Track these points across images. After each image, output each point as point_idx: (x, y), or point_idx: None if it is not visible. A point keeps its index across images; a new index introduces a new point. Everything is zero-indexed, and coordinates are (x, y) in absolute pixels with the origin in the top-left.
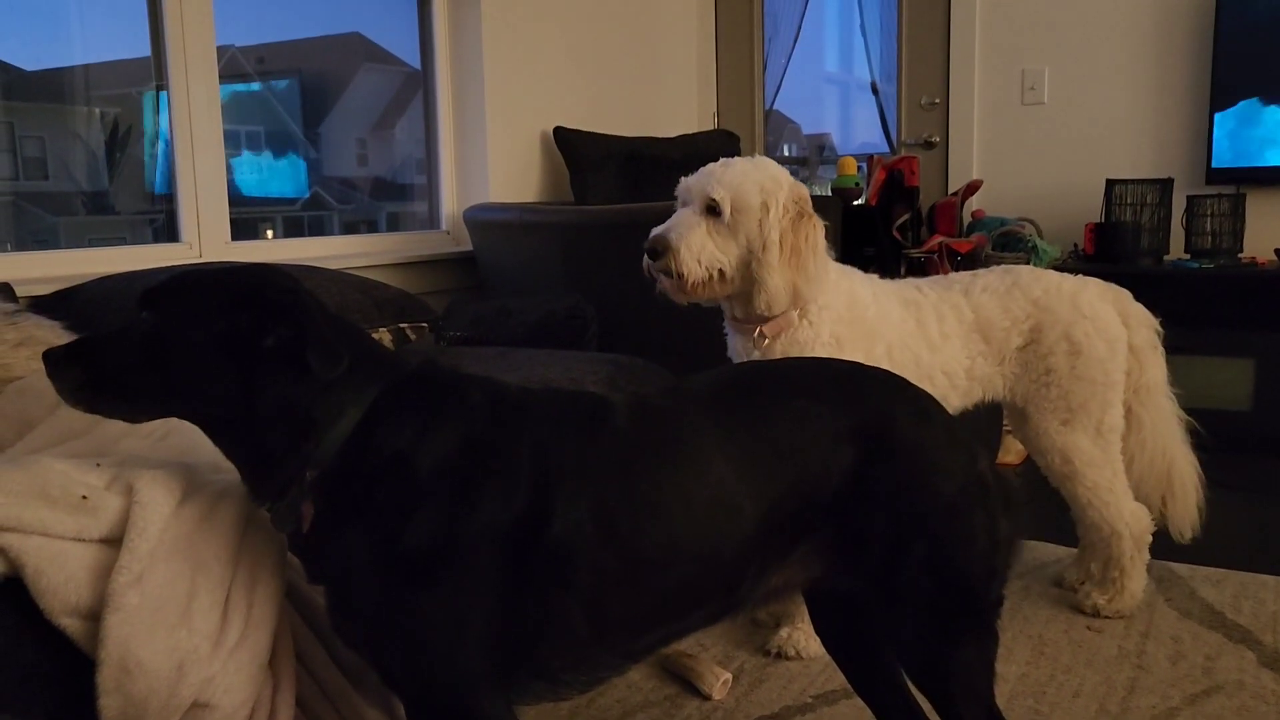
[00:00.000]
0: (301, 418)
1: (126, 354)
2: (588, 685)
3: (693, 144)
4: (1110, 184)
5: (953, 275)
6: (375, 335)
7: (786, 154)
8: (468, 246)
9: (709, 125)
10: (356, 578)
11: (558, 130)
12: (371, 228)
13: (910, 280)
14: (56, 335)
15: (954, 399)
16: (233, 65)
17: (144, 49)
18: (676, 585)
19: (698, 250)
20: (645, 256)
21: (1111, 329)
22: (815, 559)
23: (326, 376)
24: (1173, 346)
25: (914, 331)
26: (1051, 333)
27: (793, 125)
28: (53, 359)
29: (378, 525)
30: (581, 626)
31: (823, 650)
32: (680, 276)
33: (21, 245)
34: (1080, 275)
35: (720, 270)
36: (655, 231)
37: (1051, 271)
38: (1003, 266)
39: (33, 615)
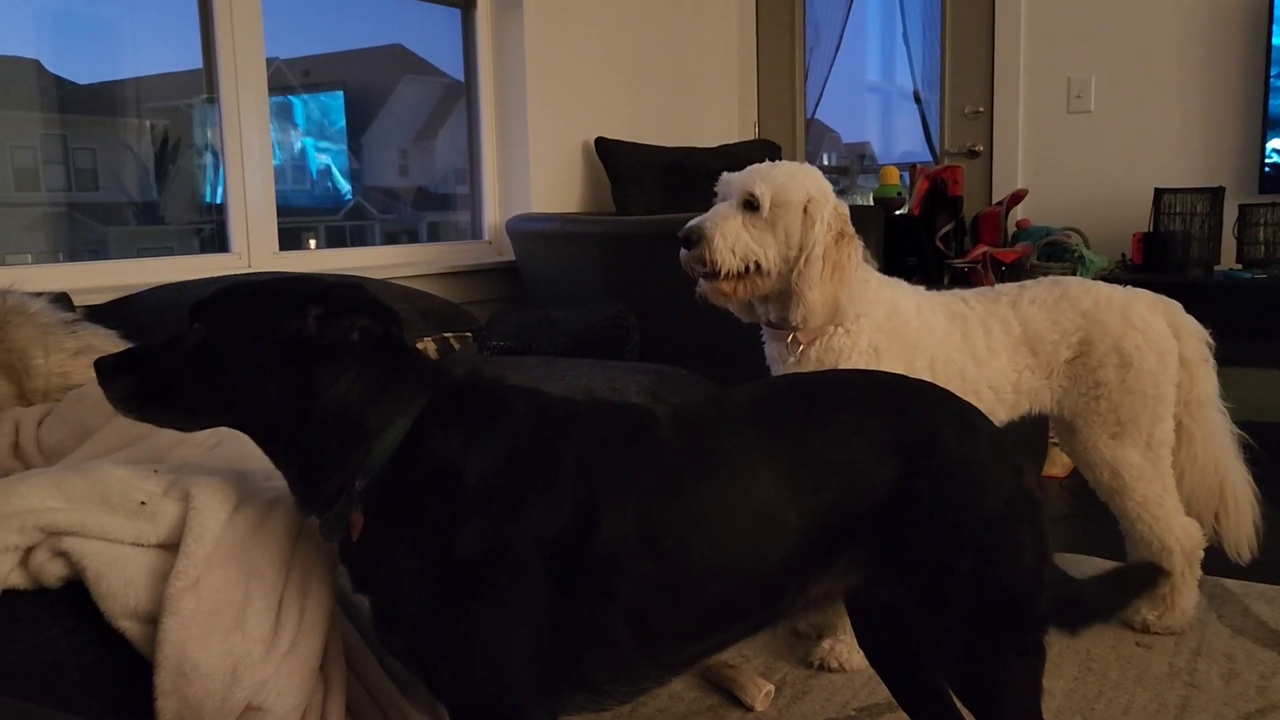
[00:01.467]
0: (352, 427)
1: (179, 364)
2: (629, 696)
3: (733, 154)
4: (1159, 193)
5: (1000, 287)
6: (420, 345)
7: (826, 163)
8: (510, 256)
9: (750, 135)
10: (404, 587)
11: (599, 141)
12: (412, 237)
13: (957, 292)
14: (114, 344)
15: (1000, 413)
16: (278, 77)
17: (192, 62)
18: (719, 596)
19: (732, 240)
20: (681, 249)
21: (1163, 342)
22: (856, 570)
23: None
24: (1225, 359)
25: (959, 345)
26: (1101, 345)
27: (832, 134)
28: (104, 368)
29: (426, 535)
30: (626, 637)
31: (866, 663)
32: (714, 267)
33: (73, 255)
34: (1129, 287)
35: (756, 263)
36: (690, 222)
37: (1101, 283)
38: (1050, 278)
39: (94, 618)
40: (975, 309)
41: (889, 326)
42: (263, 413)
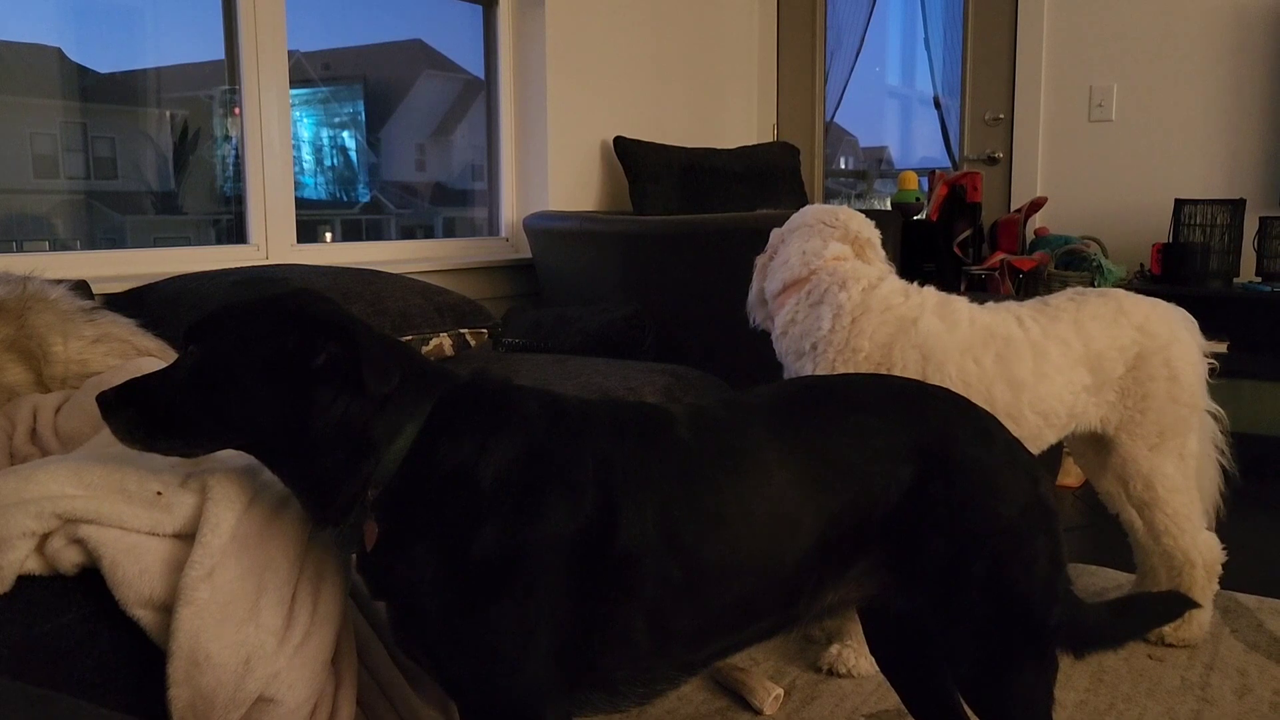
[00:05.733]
0: (358, 438)
1: (177, 391)
2: (645, 697)
3: (752, 155)
4: (1179, 204)
5: (1056, 302)
6: (436, 340)
7: (844, 166)
8: (527, 254)
9: (769, 137)
10: (423, 592)
11: (618, 140)
12: (428, 233)
13: (1012, 308)
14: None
15: (1049, 436)
16: (298, 70)
17: (213, 53)
18: (736, 597)
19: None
20: None
21: (1196, 352)
22: (872, 577)
23: (380, 392)
24: (1243, 372)
25: (991, 369)
26: (1155, 359)
27: (851, 138)
28: (106, 403)
29: (443, 539)
30: (644, 637)
31: (875, 668)
32: None
33: (91, 243)
34: (1149, 298)
35: None
36: None
37: (1142, 296)
38: (1098, 289)
39: (108, 606)
40: (1029, 330)
41: (856, 344)
42: (263, 434)
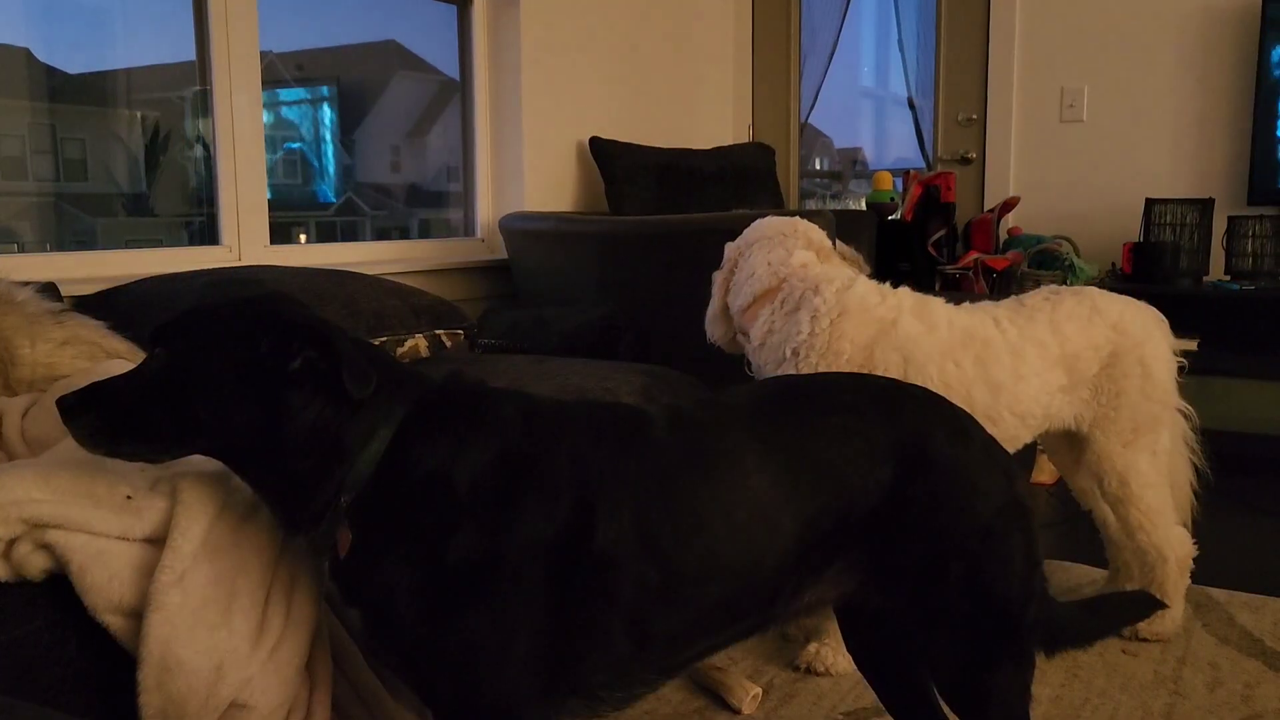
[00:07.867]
0: (331, 443)
1: (142, 394)
2: (623, 701)
3: (727, 156)
4: (1150, 203)
5: (1030, 302)
6: (412, 342)
7: (819, 167)
8: (502, 254)
9: (744, 138)
10: (398, 599)
11: (594, 140)
12: (403, 234)
13: (989, 309)
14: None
15: (1025, 436)
16: (271, 71)
17: (185, 54)
18: (716, 599)
19: None
20: None
21: (1168, 350)
22: (849, 575)
23: (359, 395)
24: (1212, 369)
25: (971, 372)
26: (1129, 357)
27: (825, 139)
28: (66, 406)
29: (418, 545)
30: (623, 641)
31: (853, 667)
32: None
33: (61, 245)
34: (1122, 296)
35: None
36: None
37: (1116, 294)
38: (1072, 288)
39: (77, 612)
40: (1007, 331)
41: (826, 348)
42: (232, 439)
